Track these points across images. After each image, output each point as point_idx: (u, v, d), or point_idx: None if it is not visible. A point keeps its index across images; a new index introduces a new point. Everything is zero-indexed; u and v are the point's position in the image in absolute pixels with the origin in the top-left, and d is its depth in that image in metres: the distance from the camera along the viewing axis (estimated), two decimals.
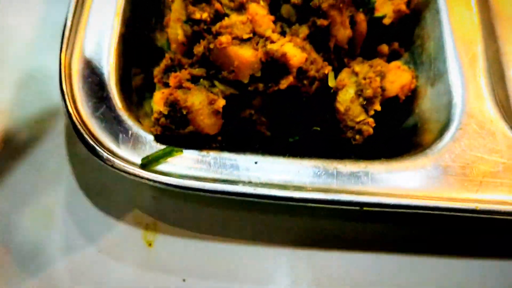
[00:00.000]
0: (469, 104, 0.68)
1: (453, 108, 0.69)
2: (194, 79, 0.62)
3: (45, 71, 0.78)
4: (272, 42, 0.59)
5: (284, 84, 0.59)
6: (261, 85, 0.59)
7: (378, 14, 0.77)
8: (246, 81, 0.59)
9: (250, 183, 0.60)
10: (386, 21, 0.77)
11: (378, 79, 0.67)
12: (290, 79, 0.59)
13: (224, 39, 0.57)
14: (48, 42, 0.81)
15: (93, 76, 0.64)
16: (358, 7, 0.71)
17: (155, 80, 0.67)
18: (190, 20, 0.60)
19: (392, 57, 0.79)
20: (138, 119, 0.65)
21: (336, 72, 0.70)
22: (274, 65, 0.58)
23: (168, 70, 0.65)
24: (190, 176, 0.59)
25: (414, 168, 0.63)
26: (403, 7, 0.77)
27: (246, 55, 0.57)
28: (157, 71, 0.67)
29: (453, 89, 0.70)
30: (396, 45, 0.80)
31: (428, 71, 0.75)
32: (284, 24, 0.67)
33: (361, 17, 0.71)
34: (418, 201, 0.60)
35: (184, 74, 0.62)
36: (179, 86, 0.61)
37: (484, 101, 0.69)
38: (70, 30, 0.66)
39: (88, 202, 0.69)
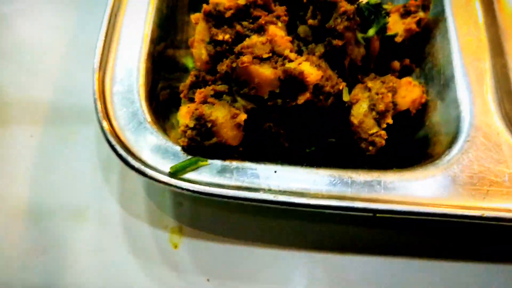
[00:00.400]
0: (476, 118, 0.72)
1: (461, 121, 0.72)
2: (218, 95, 0.67)
3: (78, 86, 0.83)
4: (290, 61, 0.64)
5: (301, 99, 0.63)
6: (279, 101, 0.64)
7: (390, 32, 0.81)
8: (266, 97, 0.63)
9: (270, 190, 0.64)
10: (398, 39, 0.81)
11: (390, 94, 0.71)
12: (307, 95, 0.63)
13: (245, 58, 0.61)
14: (80, 59, 0.87)
15: (123, 92, 0.69)
16: (370, 26, 0.76)
17: (181, 95, 0.72)
18: (213, 41, 0.65)
19: (403, 72, 0.84)
20: (165, 131, 0.70)
21: (350, 87, 0.74)
22: (292, 82, 0.62)
23: (193, 86, 0.69)
24: (215, 184, 0.64)
25: (424, 177, 0.67)
26: (414, 26, 0.81)
27: (266, 73, 0.62)
28: (183, 86, 0.72)
29: (461, 104, 0.73)
30: (407, 61, 0.84)
31: (438, 86, 0.79)
32: (301, 43, 0.72)
33: (374, 36, 0.76)
34: (428, 208, 0.63)
35: (208, 90, 0.67)
36: (204, 101, 0.66)
37: (490, 114, 0.72)
38: (103, 49, 0.71)
39: (118, 206, 0.74)
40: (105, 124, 0.65)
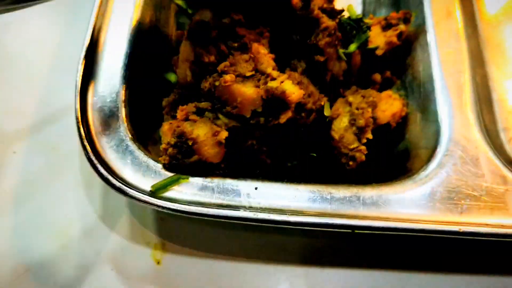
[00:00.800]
0: (455, 131, 0.73)
1: (440, 135, 0.73)
2: (200, 112, 0.67)
3: (62, 101, 0.84)
4: (273, 79, 0.64)
5: (283, 118, 0.64)
6: (262, 119, 0.64)
7: (371, 45, 0.82)
8: (248, 115, 0.64)
9: (250, 208, 0.65)
10: (379, 52, 0.82)
11: (370, 110, 0.72)
12: (289, 113, 0.64)
13: (228, 77, 0.62)
14: (64, 73, 0.87)
15: (106, 109, 0.69)
16: (351, 41, 0.77)
17: (164, 111, 0.72)
18: (198, 62, 0.66)
19: (385, 84, 0.85)
20: (146, 147, 0.70)
21: (332, 101, 0.75)
22: (274, 101, 0.63)
23: (175, 103, 0.70)
24: (196, 202, 0.64)
25: (403, 192, 0.68)
26: (395, 39, 0.82)
27: (248, 93, 0.62)
28: (165, 102, 0.73)
29: (441, 117, 0.74)
30: (388, 73, 0.85)
31: (418, 98, 0.80)
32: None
33: (355, 51, 0.77)
34: (406, 224, 0.64)
35: (190, 107, 0.67)
36: (186, 119, 0.67)
37: (470, 128, 0.74)
38: (85, 65, 0.71)
39: (101, 223, 0.74)
40: (86, 143, 0.65)
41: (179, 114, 0.67)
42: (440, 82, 0.77)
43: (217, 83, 0.63)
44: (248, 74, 0.64)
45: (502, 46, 0.94)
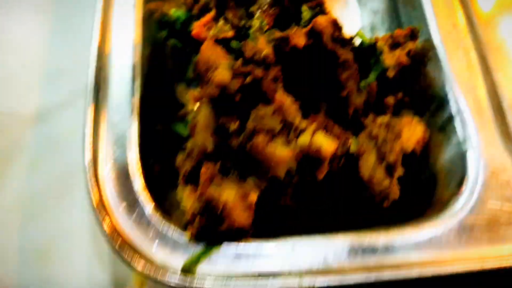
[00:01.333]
0: (482, 155, 0.70)
1: (467, 159, 0.70)
2: (224, 171, 0.61)
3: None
4: (302, 130, 0.59)
5: (320, 175, 0.59)
6: (296, 178, 0.59)
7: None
8: (282, 177, 0.58)
9: (290, 274, 0.59)
10: (390, 73, 0.78)
11: (398, 145, 0.68)
12: (325, 169, 0.59)
13: (260, 139, 0.56)
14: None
15: (121, 179, 0.62)
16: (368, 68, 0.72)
17: (181, 179, 0.65)
18: (221, 130, 0.59)
19: (398, 106, 0.80)
20: (167, 213, 0.64)
21: (354, 133, 0.71)
22: (309, 158, 0.58)
23: (194, 172, 0.63)
24: (234, 275, 0.59)
25: (440, 229, 0.64)
26: (405, 59, 0.78)
27: (282, 155, 0.57)
28: (180, 162, 0.65)
29: (465, 139, 0.71)
30: (400, 94, 0.80)
31: (437, 119, 0.77)
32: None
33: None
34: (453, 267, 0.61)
35: (213, 167, 0.61)
36: (210, 182, 0.60)
37: (496, 148, 0.71)
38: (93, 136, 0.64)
39: None
40: (106, 227, 0.58)
41: (202, 177, 0.60)
42: (458, 100, 0.74)
43: (247, 147, 0.57)
44: (277, 129, 0.58)
45: (503, 49, 0.91)
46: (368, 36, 0.92)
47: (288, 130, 0.60)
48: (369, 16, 0.95)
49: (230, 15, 0.79)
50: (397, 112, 0.79)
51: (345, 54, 0.66)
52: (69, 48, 0.89)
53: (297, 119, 0.60)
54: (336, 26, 0.69)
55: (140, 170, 0.64)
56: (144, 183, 0.63)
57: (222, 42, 0.77)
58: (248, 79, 0.59)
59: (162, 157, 0.68)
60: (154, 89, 0.72)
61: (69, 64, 0.87)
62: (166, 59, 0.82)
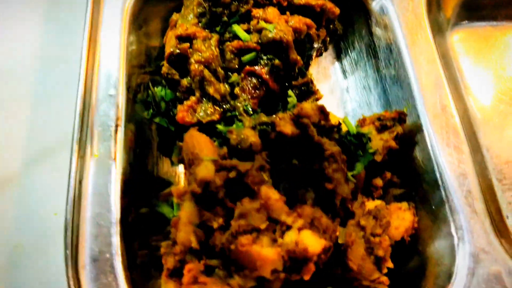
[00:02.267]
0: (472, 244, 0.69)
1: (456, 248, 0.69)
2: (209, 270, 0.59)
3: None
4: (289, 227, 0.58)
5: (307, 274, 0.57)
6: (282, 275, 0.57)
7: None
8: (268, 277, 0.57)
9: None
10: (378, 158, 0.77)
11: (387, 237, 0.67)
12: (312, 268, 0.57)
13: (245, 240, 0.55)
14: None
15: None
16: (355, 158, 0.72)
17: (164, 274, 0.62)
18: (204, 227, 0.58)
19: (387, 186, 0.80)
20: None
21: (341, 221, 0.69)
22: (296, 258, 0.56)
23: (178, 268, 0.61)
24: None
25: None
26: (393, 143, 0.78)
27: (268, 255, 0.56)
28: (165, 250, 0.63)
29: (454, 227, 0.70)
30: (388, 175, 0.80)
31: (425, 203, 0.76)
32: None
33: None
34: None
35: (197, 266, 0.59)
36: (194, 281, 0.58)
37: (486, 237, 0.70)
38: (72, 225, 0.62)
39: None
40: None
41: (186, 276, 0.58)
42: (448, 186, 0.73)
43: (232, 247, 0.55)
44: (263, 226, 0.57)
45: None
46: (356, 112, 0.95)
47: (274, 228, 0.58)
48: (357, 92, 0.96)
49: (211, 90, 0.78)
50: (386, 191, 0.78)
51: (331, 148, 0.65)
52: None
53: (282, 215, 0.59)
54: (322, 113, 0.69)
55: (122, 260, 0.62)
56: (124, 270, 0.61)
57: (208, 125, 0.77)
58: (232, 174, 0.58)
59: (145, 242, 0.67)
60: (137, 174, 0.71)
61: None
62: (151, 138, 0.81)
